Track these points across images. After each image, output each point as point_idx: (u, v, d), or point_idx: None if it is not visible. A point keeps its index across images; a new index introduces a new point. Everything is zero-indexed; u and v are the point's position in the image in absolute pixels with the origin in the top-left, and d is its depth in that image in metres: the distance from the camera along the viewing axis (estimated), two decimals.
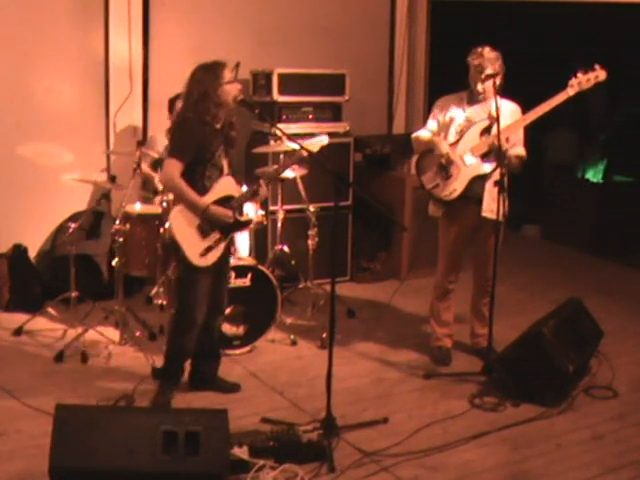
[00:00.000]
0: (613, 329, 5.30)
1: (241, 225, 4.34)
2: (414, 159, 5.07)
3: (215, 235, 4.16)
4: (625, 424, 4.21)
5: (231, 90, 4.12)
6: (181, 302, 4.27)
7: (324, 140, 4.92)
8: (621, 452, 3.91)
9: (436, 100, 4.95)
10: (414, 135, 4.96)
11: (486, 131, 4.69)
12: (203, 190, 4.10)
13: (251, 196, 4.34)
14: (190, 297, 4.19)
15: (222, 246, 4.20)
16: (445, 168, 4.72)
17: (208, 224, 4.12)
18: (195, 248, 4.10)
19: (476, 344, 5.04)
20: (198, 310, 4.21)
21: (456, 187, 4.72)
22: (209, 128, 4.09)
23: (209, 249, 4.14)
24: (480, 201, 4.71)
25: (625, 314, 5.95)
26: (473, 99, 4.75)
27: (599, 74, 4.55)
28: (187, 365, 4.51)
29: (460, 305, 5.14)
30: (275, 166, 4.90)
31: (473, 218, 4.77)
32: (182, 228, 4.09)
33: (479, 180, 4.70)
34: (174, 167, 4.04)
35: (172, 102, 5.44)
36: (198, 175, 4.10)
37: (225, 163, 4.22)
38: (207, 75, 4.07)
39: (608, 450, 3.94)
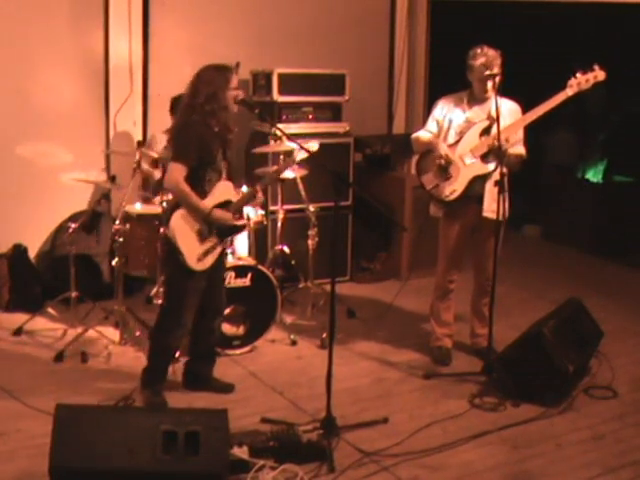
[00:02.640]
0: (613, 329, 5.30)
1: (238, 229, 4.37)
2: (414, 160, 5.07)
3: (212, 239, 4.16)
4: (625, 424, 4.21)
5: (235, 96, 4.11)
6: (171, 303, 4.23)
7: (315, 146, 4.85)
8: (621, 452, 3.91)
9: (436, 100, 4.95)
10: (414, 136, 4.95)
11: (486, 132, 4.68)
12: (203, 194, 4.09)
13: (248, 201, 4.37)
14: (181, 299, 4.17)
15: (218, 250, 4.21)
16: (445, 169, 4.72)
17: (207, 228, 4.12)
18: (194, 252, 4.09)
19: (476, 344, 5.04)
20: (187, 312, 4.19)
21: (456, 187, 4.72)
22: (210, 131, 4.07)
23: (206, 253, 4.13)
24: (481, 201, 4.71)
25: (625, 314, 5.94)
26: (473, 99, 4.74)
27: (598, 74, 4.54)
28: (181, 365, 4.51)
29: (460, 305, 5.14)
30: (274, 168, 4.87)
31: (474, 218, 4.77)
32: (183, 232, 4.07)
33: (479, 180, 4.70)
34: (179, 172, 4.00)
35: (174, 102, 5.42)
36: (199, 179, 4.07)
37: (223, 166, 4.21)
38: (217, 77, 4.04)
39: (608, 450, 3.94)
